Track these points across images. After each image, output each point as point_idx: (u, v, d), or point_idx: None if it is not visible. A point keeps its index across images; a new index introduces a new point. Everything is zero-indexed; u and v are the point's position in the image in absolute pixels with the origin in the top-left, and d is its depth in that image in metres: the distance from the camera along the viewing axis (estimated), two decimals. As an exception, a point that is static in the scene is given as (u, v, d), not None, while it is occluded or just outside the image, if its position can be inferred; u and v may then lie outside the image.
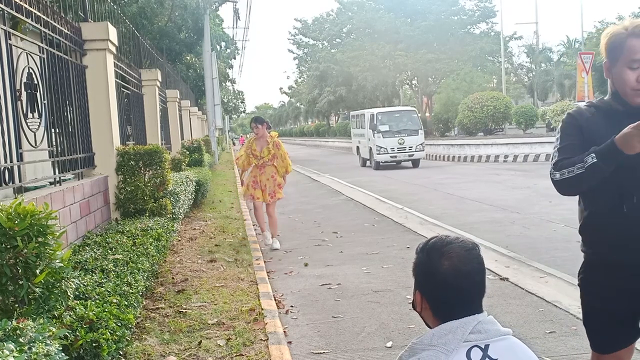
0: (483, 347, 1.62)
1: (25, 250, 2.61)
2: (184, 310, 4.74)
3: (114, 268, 4.23)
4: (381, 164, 22.15)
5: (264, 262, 6.83)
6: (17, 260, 2.60)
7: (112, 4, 8.27)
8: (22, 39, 4.73)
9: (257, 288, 5.48)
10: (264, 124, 8.26)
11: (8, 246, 2.61)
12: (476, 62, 36.31)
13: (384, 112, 24.06)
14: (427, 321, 1.73)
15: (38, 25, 4.95)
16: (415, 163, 22.44)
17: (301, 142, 69.32)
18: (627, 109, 2.20)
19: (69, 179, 5.63)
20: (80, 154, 5.88)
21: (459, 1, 38.27)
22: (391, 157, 22.12)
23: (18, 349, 2.08)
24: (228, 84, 44.92)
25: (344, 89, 45.15)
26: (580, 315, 4.42)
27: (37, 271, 2.65)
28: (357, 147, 25.55)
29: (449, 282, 1.64)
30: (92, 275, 3.97)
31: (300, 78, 67.07)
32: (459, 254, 1.65)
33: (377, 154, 22.17)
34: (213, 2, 25.90)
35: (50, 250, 2.73)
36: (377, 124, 22.59)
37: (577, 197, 2.41)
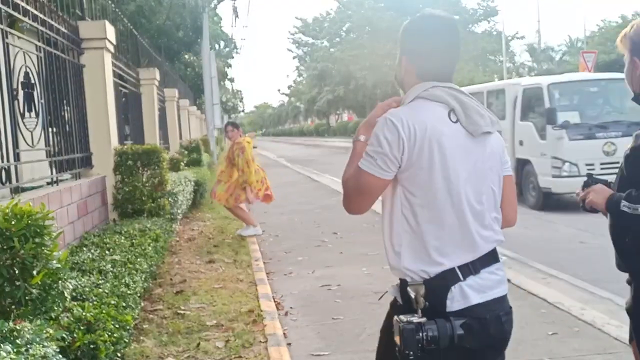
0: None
1: (22, 251, 2.58)
2: (182, 312, 4.71)
3: (111, 269, 4.19)
4: (554, 196, 9.98)
5: (263, 263, 6.79)
6: (14, 261, 2.57)
7: (110, 2, 8.23)
8: (19, 37, 4.69)
9: (256, 289, 5.44)
10: (239, 128, 8.44)
11: (4, 247, 2.58)
12: (478, 61, 36.24)
13: (567, 83, 10.96)
14: (407, 87, 2.01)
15: (35, 24, 4.91)
16: None
17: (300, 141, 69.35)
18: None
19: (66, 179, 5.59)
20: (77, 153, 5.84)
21: (461, 0, 38.23)
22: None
23: (15, 350, 2.06)
24: (227, 83, 44.90)
25: (343, 88, 45.12)
26: (582, 317, 4.41)
27: (34, 272, 2.62)
28: None
29: (436, 40, 1.95)
30: (90, 277, 3.93)
31: (299, 77, 67.09)
32: (439, 20, 1.99)
33: (556, 175, 9.78)
34: (212, 0, 25.86)
35: (47, 251, 2.70)
36: (554, 110, 9.83)
37: None
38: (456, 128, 1.89)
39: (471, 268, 1.91)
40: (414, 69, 1.99)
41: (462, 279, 1.88)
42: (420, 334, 1.82)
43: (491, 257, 1.96)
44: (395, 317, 1.88)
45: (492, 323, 1.90)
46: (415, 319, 1.85)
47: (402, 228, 1.93)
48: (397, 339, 1.86)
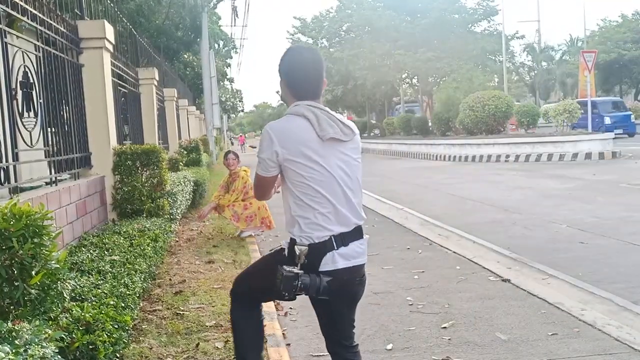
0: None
1: (21, 252, 2.57)
2: (181, 312, 4.69)
3: (110, 269, 4.18)
4: None
5: (263, 262, 6.76)
6: (13, 261, 2.56)
7: (109, 1, 8.22)
8: (17, 37, 4.68)
9: (256, 289, 5.42)
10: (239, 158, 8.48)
11: (3, 247, 2.57)
12: (477, 61, 35.97)
13: None
14: (289, 104, 2.63)
15: (34, 24, 4.90)
16: None
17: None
18: None
19: (65, 179, 5.58)
20: (76, 153, 5.83)
21: (460, -1, 37.85)
22: None
23: (14, 351, 2.05)
24: (226, 82, 44.83)
25: (342, 88, 44.99)
26: (583, 318, 4.40)
27: (33, 272, 2.61)
28: None
29: (299, 66, 2.59)
30: (89, 277, 3.92)
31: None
32: (304, 51, 2.68)
33: None
34: (211, 0, 25.80)
35: (46, 251, 2.70)
36: None
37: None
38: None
39: (343, 240, 2.54)
40: (289, 90, 2.63)
41: (335, 247, 2.52)
42: (297, 282, 2.45)
43: (357, 233, 2.61)
44: (280, 266, 2.49)
45: (350, 283, 2.60)
46: (295, 270, 2.48)
47: (294, 206, 2.55)
48: (278, 282, 2.47)
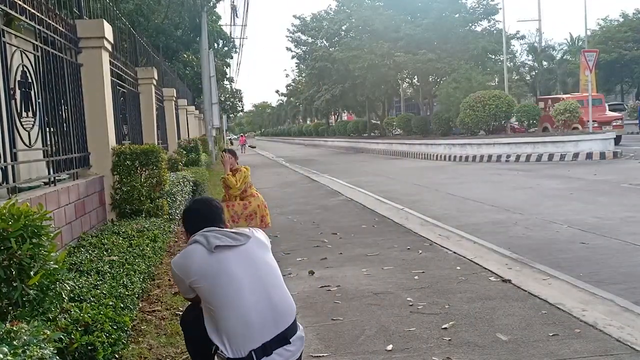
0: (224, 245, 2.86)
1: (19, 252, 2.55)
2: (180, 313, 4.67)
3: (109, 270, 4.17)
4: None
5: (263, 262, 6.74)
6: (11, 261, 2.55)
7: (107, 1, 8.19)
8: (16, 36, 4.66)
9: (256, 289, 5.40)
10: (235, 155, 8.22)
11: (2, 247, 2.56)
12: (477, 61, 35.88)
13: None
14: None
15: (32, 23, 4.88)
16: None
17: (300, 141, 69.39)
18: None
19: (64, 179, 5.57)
20: (75, 153, 5.81)
21: (460, -2, 37.68)
22: None
23: (12, 352, 2.03)
24: (226, 82, 44.80)
25: (340, 88, 44.94)
26: (583, 318, 4.38)
27: (32, 273, 2.60)
28: None
29: (199, 214, 3.04)
30: (88, 277, 3.91)
31: (299, 77, 66.88)
32: (201, 201, 3.21)
33: None
34: None
35: (45, 251, 2.69)
36: None
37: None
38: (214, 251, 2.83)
39: (264, 351, 2.65)
40: (188, 232, 3.06)
41: None
42: None
43: (282, 340, 2.71)
44: None
45: None
46: None
47: (210, 316, 2.76)
48: None
